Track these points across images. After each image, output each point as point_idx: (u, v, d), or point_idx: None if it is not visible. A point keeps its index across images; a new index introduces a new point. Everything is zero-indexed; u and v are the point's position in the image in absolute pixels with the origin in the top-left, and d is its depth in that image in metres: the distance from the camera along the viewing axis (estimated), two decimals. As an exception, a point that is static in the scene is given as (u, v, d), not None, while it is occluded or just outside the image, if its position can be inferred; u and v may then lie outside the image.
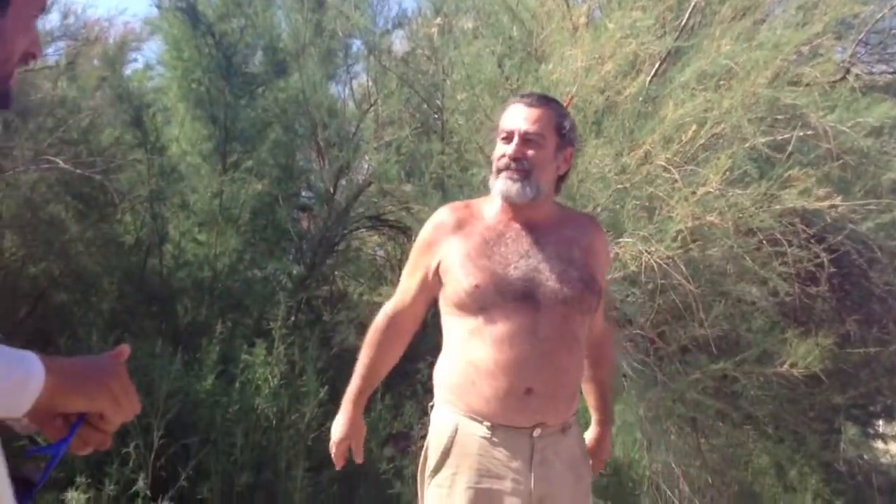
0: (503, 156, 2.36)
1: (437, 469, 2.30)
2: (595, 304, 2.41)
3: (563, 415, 2.33)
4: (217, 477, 4.80)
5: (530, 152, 2.35)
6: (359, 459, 2.66)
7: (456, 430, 2.28)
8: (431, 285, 2.45)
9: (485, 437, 2.25)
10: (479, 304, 2.27)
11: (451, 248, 2.38)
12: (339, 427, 2.59)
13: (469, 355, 2.29)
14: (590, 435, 2.69)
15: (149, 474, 4.51)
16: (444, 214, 2.47)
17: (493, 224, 2.40)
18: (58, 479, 4.40)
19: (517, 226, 2.38)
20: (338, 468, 2.62)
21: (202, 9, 5.77)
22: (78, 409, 1.14)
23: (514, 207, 2.38)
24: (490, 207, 2.45)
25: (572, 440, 2.38)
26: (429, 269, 2.44)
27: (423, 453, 2.40)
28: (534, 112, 2.38)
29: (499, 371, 2.24)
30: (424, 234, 2.49)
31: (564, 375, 2.32)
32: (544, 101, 2.48)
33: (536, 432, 2.26)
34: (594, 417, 2.73)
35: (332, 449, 2.59)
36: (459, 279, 2.31)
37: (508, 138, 2.37)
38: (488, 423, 2.25)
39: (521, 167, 2.34)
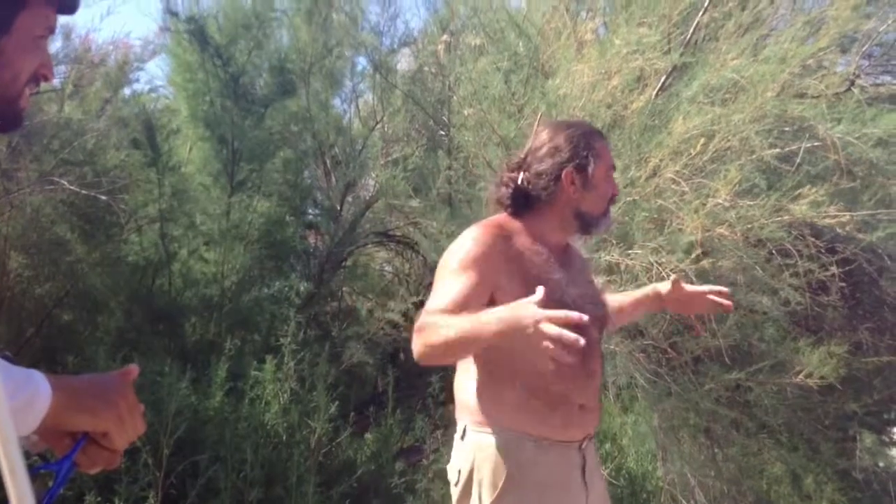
0: (614, 192, 2.45)
1: (501, 497, 2.21)
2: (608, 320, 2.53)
3: (596, 425, 2.46)
4: (227, 494, 4.77)
5: None
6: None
7: (512, 454, 2.23)
8: (484, 296, 2.22)
9: (542, 455, 2.25)
10: None
11: (507, 273, 2.25)
12: (521, 310, 1.90)
13: (522, 376, 2.25)
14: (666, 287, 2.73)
15: (158, 492, 4.49)
16: (488, 235, 2.30)
17: (534, 247, 2.34)
18: (67, 498, 4.38)
19: (552, 254, 2.36)
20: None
21: (210, 31, 5.81)
22: (84, 427, 1.15)
23: (560, 235, 2.44)
24: (520, 232, 2.37)
25: (594, 447, 2.48)
26: (485, 280, 2.21)
27: (463, 482, 2.28)
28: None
29: (555, 390, 2.26)
30: (475, 249, 2.26)
31: (598, 389, 2.46)
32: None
33: (585, 444, 2.34)
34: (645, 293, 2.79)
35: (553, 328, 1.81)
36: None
37: (612, 172, 2.45)
38: (546, 441, 2.26)
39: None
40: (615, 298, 2.73)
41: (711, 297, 2.63)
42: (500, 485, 2.21)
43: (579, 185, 2.37)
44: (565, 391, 2.27)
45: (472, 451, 2.29)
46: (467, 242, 2.27)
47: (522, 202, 2.42)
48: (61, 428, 1.14)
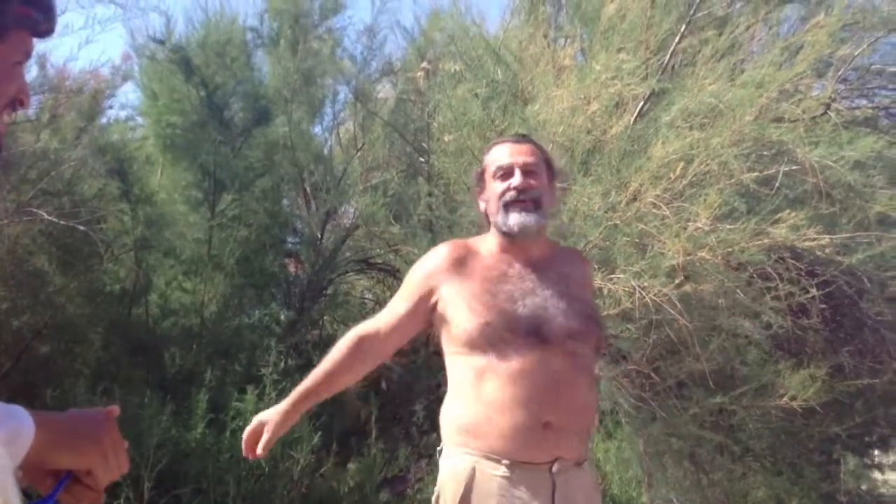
0: (507, 189, 2.38)
1: None
2: (600, 336, 2.42)
3: (577, 449, 2.29)
4: (211, 525, 4.72)
5: (533, 181, 2.39)
6: (261, 453, 2.39)
7: (473, 473, 2.22)
8: (422, 318, 2.42)
9: (504, 477, 2.19)
10: (490, 341, 2.25)
11: (452, 288, 2.36)
12: (267, 412, 2.42)
13: (482, 394, 2.25)
14: None
15: (142, 535, 4.42)
16: (443, 251, 2.44)
17: (493, 263, 2.39)
18: (46, 535, 4.29)
19: (518, 264, 2.38)
20: (245, 452, 2.41)
21: (187, 59, 5.79)
22: (67, 465, 1.13)
23: (515, 244, 2.40)
24: (487, 246, 2.46)
25: (588, 476, 2.34)
26: (423, 303, 2.39)
27: (434, 501, 2.31)
28: (526, 146, 2.46)
29: (516, 406, 2.20)
30: (423, 268, 2.46)
31: (578, 409, 2.29)
32: (528, 137, 2.57)
33: (555, 467, 2.21)
34: None
35: (246, 431, 2.40)
36: (467, 318, 2.29)
37: (508, 173, 2.40)
38: (507, 462, 2.19)
39: (531, 196, 2.37)
40: None
41: None
42: None
43: (483, 198, 2.49)
44: (528, 408, 2.20)
45: (441, 471, 2.32)
46: (424, 258, 2.50)
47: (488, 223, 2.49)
48: (44, 465, 1.11)
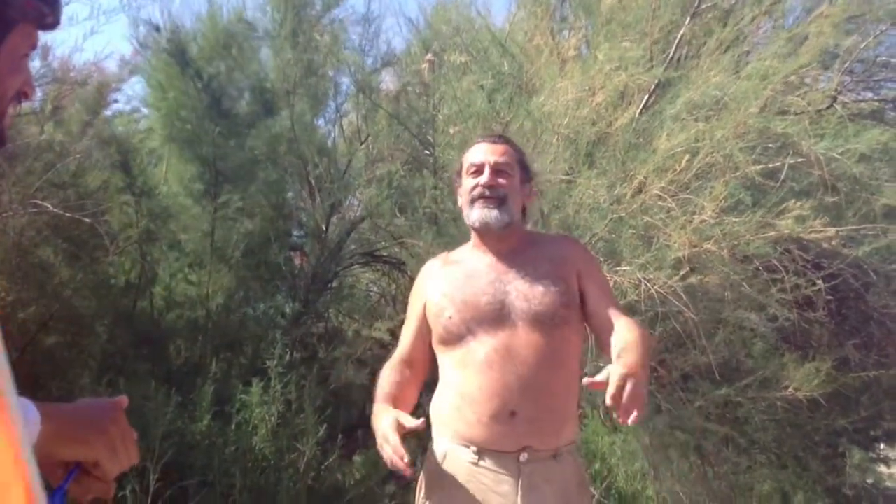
0: (476, 186, 2.46)
1: (428, 496, 2.32)
2: (570, 313, 2.39)
3: (550, 439, 2.30)
4: (215, 518, 4.73)
5: (502, 180, 2.46)
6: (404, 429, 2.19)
7: (444, 457, 2.31)
8: (425, 328, 2.52)
9: (472, 462, 2.27)
10: (457, 334, 2.36)
11: (432, 289, 2.51)
12: (378, 423, 2.26)
13: (455, 385, 2.34)
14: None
15: (133, 531, 4.42)
16: (427, 266, 2.64)
17: (467, 260, 2.52)
18: (50, 529, 4.30)
19: (488, 257, 2.48)
20: (406, 470, 2.12)
21: (189, 51, 5.77)
22: (75, 456, 1.14)
23: (486, 240, 2.49)
24: (463, 250, 2.58)
25: (567, 468, 2.35)
26: (420, 314, 2.54)
27: (418, 485, 2.42)
28: (499, 147, 2.54)
29: (482, 396, 2.27)
30: (415, 287, 2.64)
31: (549, 398, 2.31)
32: (504, 138, 2.68)
33: (523, 457, 2.25)
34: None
35: (385, 449, 2.18)
36: (439, 315, 2.42)
37: (479, 171, 2.49)
38: (475, 448, 2.27)
39: (496, 194, 2.45)
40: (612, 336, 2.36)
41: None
42: (426, 489, 2.34)
43: (458, 197, 2.60)
44: (494, 397, 2.26)
45: (426, 456, 2.44)
46: (416, 279, 2.66)
47: None
48: (53, 457, 1.11)
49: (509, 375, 2.27)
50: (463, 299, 2.38)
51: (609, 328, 2.33)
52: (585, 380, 2.11)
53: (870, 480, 5.42)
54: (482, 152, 2.51)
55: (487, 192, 2.43)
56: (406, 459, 2.11)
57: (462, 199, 2.55)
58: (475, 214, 2.45)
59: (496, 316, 2.33)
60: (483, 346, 2.31)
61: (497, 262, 2.45)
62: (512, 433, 2.25)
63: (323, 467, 5.10)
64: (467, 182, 2.50)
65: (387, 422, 2.21)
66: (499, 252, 2.47)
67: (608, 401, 2.01)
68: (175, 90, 5.69)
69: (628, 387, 1.97)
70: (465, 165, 2.54)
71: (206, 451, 4.92)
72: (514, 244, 2.49)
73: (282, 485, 4.94)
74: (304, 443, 4.98)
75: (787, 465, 4.90)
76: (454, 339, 2.36)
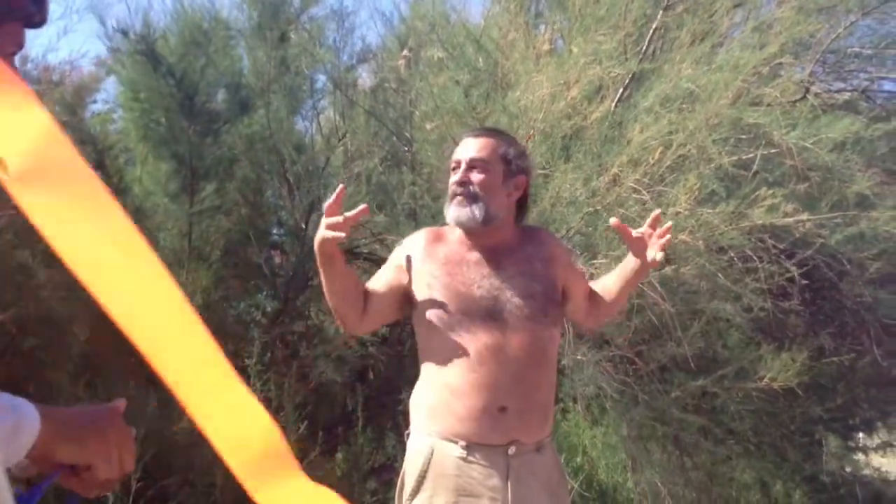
0: (453, 183, 2.47)
1: (415, 492, 2.31)
2: (558, 313, 2.47)
3: (536, 433, 2.36)
4: (197, 516, 4.72)
5: (476, 177, 2.45)
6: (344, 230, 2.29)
7: (432, 452, 2.30)
8: (399, 289, 2.47)
9: (461, 457, 2.28)
10: (447, 325, 2.34)
11: (420, 269, 2.45)
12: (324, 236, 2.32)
13: (442, 377, 2.33)
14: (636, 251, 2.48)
15: (123, 527, 4.41)
16: (419, 235, 2.56)
17: (456, 248, 2.48)
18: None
19: (477, 251, 2.46)
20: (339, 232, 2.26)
21: (160, 50, 5.74)
22: (72, 458, 1.13)
23: (473, 235, 2.47)
24: (454, 233, 2.53)
25: (548, 460, 2.41)
26: (401, 272, 2.47)
27: (399, 480, 2.41)
28: (479, 141, 2.51)
29: (472, 390, 2.28)
30: (402, 247, 2.57)
31: (536, 393, 2.36)
32: (491, 132, 2.62)
33: (511, 450, 2.29)
34: (626, 269, 2.53)
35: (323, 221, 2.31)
36: (426, 302, 2.39)
37: (457, 168, 2.49)
38: (464, 443, 2.28)
39: (468, 191, 2.44)
40: (600, 284, 2.62)
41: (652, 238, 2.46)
42: (413, 485, 2.32)
43: None
44: (485, 392, 2.28)
45: (407, 451, 2.41)
46: (401, 244, 2.60)
47: None
48: (50, 458, 1.10)
49: (500, 372, 2.29)
50: (456, 290, 2.37)
51: (597, 289, 2.59)
52: (613, 220, 2.40)
53: (847, 468, 5.45)
54: (463, 148, 2.51)
55: (459, 190, 2.43)
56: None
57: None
58: (449, 213, 2.45)
59: (489, 310, 2.34)
60: (475, 341, 2.31)
61: (487, 257, 2.44)
62: (501, 427, 2.28)
63: (304, 465, 5.08)
64: (450, 178, 2.50)
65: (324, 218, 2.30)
66: (486, 247, 2.46)
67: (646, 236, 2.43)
68: (147, 89, 5.65)
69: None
70: (450, 165, 2.53)
71: (186, 450, 4.91)
72: (502, 240, 2.48)
73: (262, 483, 4.92)
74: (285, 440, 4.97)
75: (765, 455, 4.93)
76: (443, 330, 2.35)
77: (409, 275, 2.46)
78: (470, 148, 2.49)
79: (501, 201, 2.47)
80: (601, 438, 5.47)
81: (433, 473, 2.29)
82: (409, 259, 2.48)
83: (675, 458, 4.86)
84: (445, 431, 2.30)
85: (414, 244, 2.52)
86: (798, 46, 4.65)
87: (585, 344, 4.47)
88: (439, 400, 2.32)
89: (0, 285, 5.81)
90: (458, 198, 2.43)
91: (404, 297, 2.47)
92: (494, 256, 2.44)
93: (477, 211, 2.41)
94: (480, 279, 2.38)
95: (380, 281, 2.49)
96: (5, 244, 5.83)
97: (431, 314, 2.37)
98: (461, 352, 2.31)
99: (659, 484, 4.75)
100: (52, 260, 5.94)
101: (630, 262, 2.49)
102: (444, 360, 2.34)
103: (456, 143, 2.63)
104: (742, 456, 4.94)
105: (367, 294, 2.46)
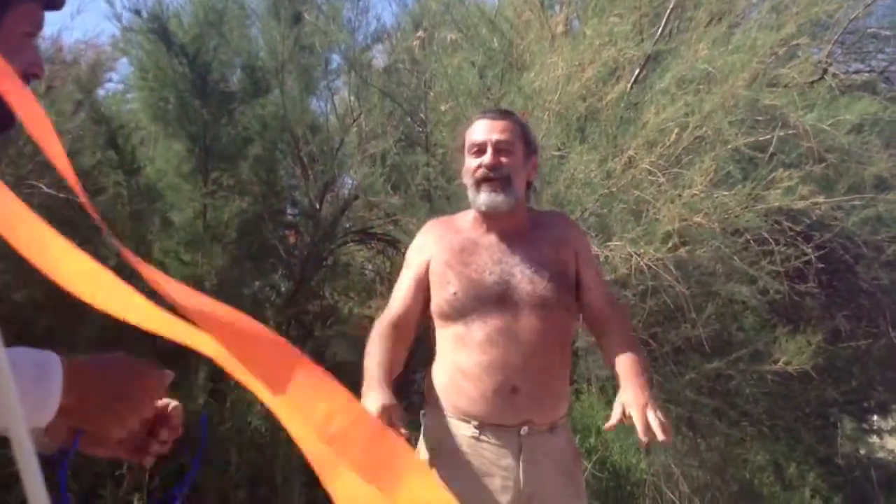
0: (479, 167, 2.41)
1: None
2: (570, 297, 2.45)
3: (549, 414, 2.37)
4: (213, 495, 4.76)
5: (505, 159, 2.41)
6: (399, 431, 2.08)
7: (445, 432, 2.33)
8: (423, 288, 2.46)
9: (473, 437, 2.30)
10: (459, 311, 2.34)
11: (435, 261, 2.44)
12: (371, 401, 2.14)
13: (455, 360, 2.34)
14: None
15: (144, 495, 4.46)
16: (428, 228, 2.57)
17: (469, 234, 2.47)
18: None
19: (492, 235, 2.45)
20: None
21: (174, 29, 5.73)
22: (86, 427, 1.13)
23: (490, 218, 2.45)
24: (465, 219, 2.53)
25: (562, 441, 2.41)
26: (421, 274, 2.46)
27: None
28: (500, 123, 2.46)
29: (483, 373, 2.29)
30: (414, 242, 2.57)
31: (548, 375, 2.36)
32: (507, 113, 2.58)
33: (524, 430, 2.30)
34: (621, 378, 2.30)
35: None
36: (440, 289, 2.39)
37: (481, 150, 2.42)
38: (476, 423, 2.30)
39: (500, 175, 2.40)
40: (611, 347, 2.39)
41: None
42: (426, 462, 2.31)
43: (461, 172, 2.51)
44: (496, 373, 2.28)
45: (422, 430, 2.43)
46: (415, 240, 2.58)
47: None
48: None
49: (511, 354, 2.29)
50: (469, 276, 2.36)
51: (602, 326, 2.44)
52: (607, 425, 2.14)
53: (862, 451, 5.45)
54: (484, 130, 2.44)
55: (492, 174, 2.39)
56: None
57: (464, 180, 2.49)
58: (482, 199, 2.40)
59: (500, 296, 2.33)
60: (486, 325, 2.31)
61: (500, 241, 2.43)
62: (513, 408, 2.29)
63: (318, 443, 5.12)
64: (469, 162, 2.45)
65: (377, 405, 2.09)
66: (501, 231, 2.45)
67: (643, 438, 2.06)
68: (159, 69, 5.65)
69: (651, 415, 2.06)
70: (467, 144, 2.48)
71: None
72: (517, 222, 2.47)
73: (277, 460, 4.97)
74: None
75: (779, 437, 4.93)
76: (455, 315, 2.35)
77: (426, 264, 2.46)
78: (493, 130, 2.43)
79: (523, 183, 2.46)
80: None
81: (447, 452, 2.31)
82: (426, 253, 2.48)
83: (689, 439, 4.87)
84: (458, 411, 2.32)
85: (425, 241, 2.52)
86: (816, 27, 4.60)
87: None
88: (452, 381, 2.34)
89: (15, 265, 5.85)
90: (490, 183, 2.39)
91: (427, 287, 2.47)
92: (508, 240, 2.43)
93: (511, 196, 2.39)
94: (492, 265, 2.38)
95: (403, 292, 2.46)
96: (22, 224, 5.87)
97: (445, 301, 2.37)
98: (473, 336, 2.31)
99: (673, 465, 4.77)
100: (67, 239, 5.97)
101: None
102: (456, 345, 2.35)
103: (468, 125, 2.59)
104: (756, 438, 4.95)
105: (402, 325, 2.39)
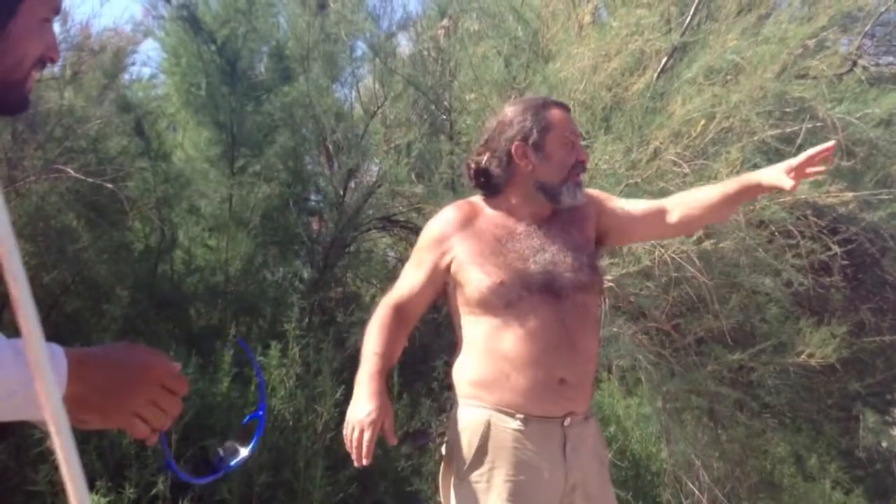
0: (580, 161, 2.41)
1: (474, 467, 2.26)
2: (601, 278, 2.48)
3: (586, 402, 2.36)
4: (236, 478, 4.81)
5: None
6: (391, 440, 2.27)
7: (489, 426, 2.27)
8: (439, 281, 2.42)
9: (518, 430, 2.25)
10: (505, 299, 2.28)
11: (462, 247, 2.36)
12: (363, 405, 2.17)
13: (500, 350, 2.29)
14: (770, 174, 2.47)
15: (168, 476, 4.52)
16: (450, 212, 2.46)
17: (501, 221, 2.41)
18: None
19: (525, 222, 2.40)
20: (363, 461, 2.15)
21: (202, 16, 5.77)
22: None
23: (539, 209, 2.43)
24: (492, 204, 2.46)
25: (593, 428, 2.41)
26: (438, 265, 2.39)
27: (446, 453, 2.36)
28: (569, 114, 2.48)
29: (532, 363, 2.25)
30: (433, 230, 2.45)
31: (590, 363, 2.36)
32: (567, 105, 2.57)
33: (567, 421, 2.28)
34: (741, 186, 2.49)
35: (355, 433, 2.15)
36: (479, 278, 2.31)
37: (574, 144, 2.42)
38: (521, 416, 2.25)
39: (583, 170, 2.44)
40: (690, 195, 2.60)
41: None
42: (471, 457, 2.26)
43: (532, 157, 2.39)
44: (545, 364, 2.25)
45: (455, 424, 2.35)
46: (433, 222, 2.49)
47: (485, 183, 2.46)
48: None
49: (558, 343, 2.26)
50: (512, 265, 2.31)
51: (666, 203, 2.57)
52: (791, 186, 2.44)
53: (884, 443, 5.44)
54: (567, 120, 2.43)
55: (581, 168, 2.40)
56: (366, 462, 2.14)
57: (544, 167, 2.39)
58: (573, 194, 2.39)
59: (545, 284, 2.29)
60: (533, 313, 2.26)
61: (535, 228, 2.38)
62: (560, 399, 2.27)
63: (340, 428, 5.16)
64: (563, 154, 2.40)
65: (370, 416, 2.12)
66: (535, 217, 2.41)
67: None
68: (188, 55, 5.70)
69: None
70: (562, 133, 2.41)
71: (225, 411, 5.01)
72: (548, 208, 2.44)
73: (300, 445, 5.01)
74: (322, 404, 5.05)
75: (800, 429, 4.93)
76: (499, 304, 2.28)
77: (448, 258, 2.37)
78: (574, 124, 2.44)
79: None
80: (635, 409, 5.50)
81: (492, 447, 2.25)
82: (446, 243, 2.39)
83: (709, 430, 4.87)
84: (502, 404, 2.27)
85: (447, 225, 2.42)
86: (846, 19, 4.57)
87: (622, 316, 4.49)
88: (497, 373, 2.28)
89: (44, 248, 5.93)
90: (578, 178, 2.40)
91: (443, 280, 2.41)
92: (541, 227, 2.40)
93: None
94: (533, 253, 2.33)
95: (416, 279, 2.42)
96: (50, 207, 5.95)
97: (487, 290, 2.29)
98: (519, 325, 2.26)
99: (693, 456, 4.78)
100: (94, 224, 6.06)
101: (748, 179, 2.50)
102: (499, 334, 2.29)
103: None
104: (777, 430, 4.94)
105: (407, 310, 2.40)
